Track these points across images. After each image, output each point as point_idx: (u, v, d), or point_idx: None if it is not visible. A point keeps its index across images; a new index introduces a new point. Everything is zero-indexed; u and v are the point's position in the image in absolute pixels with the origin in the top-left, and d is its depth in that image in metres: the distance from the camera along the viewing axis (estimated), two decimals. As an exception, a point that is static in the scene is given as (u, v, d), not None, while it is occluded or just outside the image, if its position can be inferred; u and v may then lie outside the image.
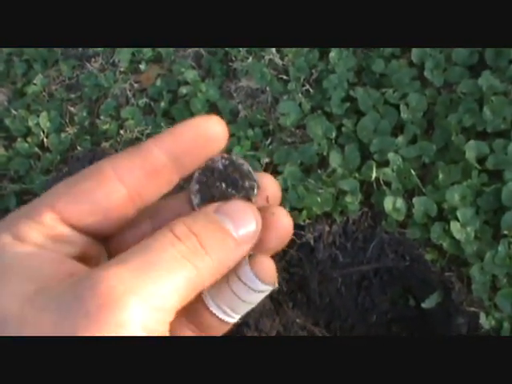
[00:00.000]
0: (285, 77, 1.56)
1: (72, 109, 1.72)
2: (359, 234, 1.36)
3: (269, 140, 1.48)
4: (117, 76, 1.73)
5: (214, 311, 0.45)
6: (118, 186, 0.43)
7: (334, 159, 1.38)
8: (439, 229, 1.27)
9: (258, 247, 0.45)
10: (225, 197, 0.46)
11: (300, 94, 1.51)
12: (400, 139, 1.36)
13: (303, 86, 1.53)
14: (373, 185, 1.35)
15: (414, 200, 1.29)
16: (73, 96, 1.77)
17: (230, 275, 0.44)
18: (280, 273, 1.39)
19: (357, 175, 1.36)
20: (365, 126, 1.40)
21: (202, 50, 1.69)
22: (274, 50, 1.59)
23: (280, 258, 1.39)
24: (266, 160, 1.43)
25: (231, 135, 1.50)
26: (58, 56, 1.85)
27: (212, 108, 1.60)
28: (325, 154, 1.40)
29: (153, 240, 0.40)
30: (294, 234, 1.36)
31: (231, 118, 1.56)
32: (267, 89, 1.57)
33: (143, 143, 0.44)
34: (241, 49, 1.62)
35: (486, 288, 1.22)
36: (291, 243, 1.38)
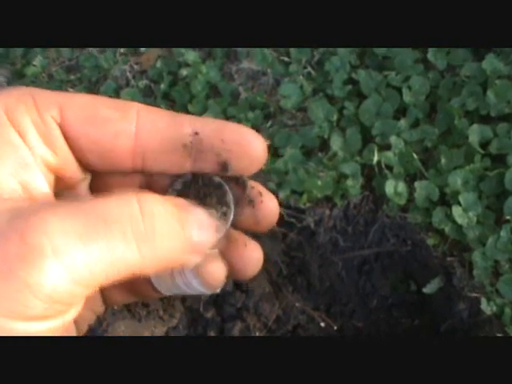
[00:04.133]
0: (286, 59, 1.54)
1: (71, 90, 1.71)
2: (360, 218, 1.35)
3: (269, 123, 1.47)
4: (117, 57, 1.72)
5: (153, 282, 0.43)
6: (130, 133, 0.40)
7: (335, 142, 1.37)
8: (441, 213, 1.26)
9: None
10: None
11: (301, 76, 1.49)
12: (402, 122, 1.35)
13: (305, 68, 1.51)
14: (374, 168, 1.33)
15: (416, 184, 1.28)
16: (72, 77, 1.75)
17: None
18: (280, 256, 1.38)
19: (358, 158, 1.35)
20: (367, 109, 1.38)
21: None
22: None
23: (280, 241, 1.38)
24: (267, 143, 1.42)
25: (231, 117, 1.49)
26: (57, 37, 1.83)
27: (212, 90, 1.58)
28: (326, 137, 1.39)
29: (114, 204, 0.36)
30: (295, 218, 1.36)
31: (232, 100, 1.54)
32: (268, 71, 1.55)
33: (181, 114, 0.41)
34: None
35: (488, 273, 1.22)
36: (291, 227, 1.37)
